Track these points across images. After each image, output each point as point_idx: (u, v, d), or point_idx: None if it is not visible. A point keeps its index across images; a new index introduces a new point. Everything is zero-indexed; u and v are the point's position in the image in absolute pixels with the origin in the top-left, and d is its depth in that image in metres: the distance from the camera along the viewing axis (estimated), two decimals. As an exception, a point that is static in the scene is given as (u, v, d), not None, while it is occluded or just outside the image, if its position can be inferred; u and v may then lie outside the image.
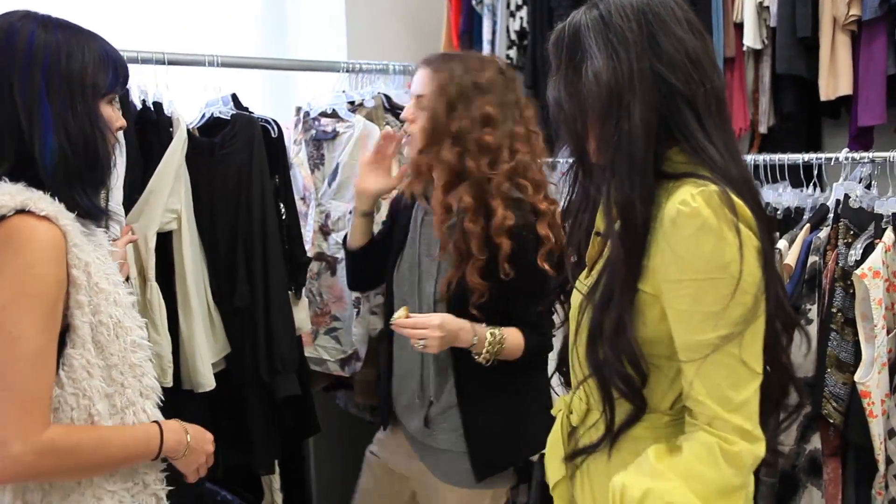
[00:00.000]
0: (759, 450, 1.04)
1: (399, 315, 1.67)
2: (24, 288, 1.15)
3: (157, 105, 1.95)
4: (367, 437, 2.05)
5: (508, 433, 1.78)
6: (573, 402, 1.30)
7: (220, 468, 2.32)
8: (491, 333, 1.68)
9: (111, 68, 1.29)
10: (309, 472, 2.69)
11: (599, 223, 1.22)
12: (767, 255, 1.04)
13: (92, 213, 1.29)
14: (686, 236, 1.03)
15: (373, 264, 1.96)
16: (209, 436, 1.44)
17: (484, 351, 1.68)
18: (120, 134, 1.79)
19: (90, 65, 1.25)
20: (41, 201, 1.19)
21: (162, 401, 1.37)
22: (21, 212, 1.16)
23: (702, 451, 1.04)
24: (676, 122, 1.08)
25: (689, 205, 1.02)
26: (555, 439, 1.35)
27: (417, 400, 1.82)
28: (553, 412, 1.39)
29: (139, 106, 1.93)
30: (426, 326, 1.62)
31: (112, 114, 1.32)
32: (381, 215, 2.16)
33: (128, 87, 1.87)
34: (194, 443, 1.38)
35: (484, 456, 1.77)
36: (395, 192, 2.01)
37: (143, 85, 1.96)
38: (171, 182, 1.89)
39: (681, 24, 1.10)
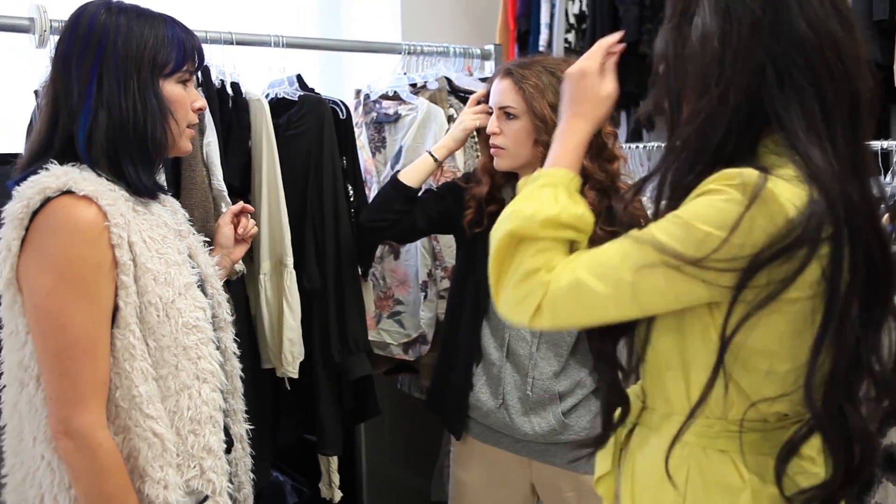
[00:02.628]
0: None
1: None
2: (63, 273, 1.16)
3: (235, 86, 1.93)
4: (415, 420, 1.98)
5: None
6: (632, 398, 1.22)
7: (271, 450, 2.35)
8: None
9: (177, 49, 1.29)
10: (360, 453, 2.69)
11: None
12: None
13: (141, 189, 1.29)
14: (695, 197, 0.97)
15: (408, 216, 1.90)
16: None
17: None
18: (208, 113, 1.80)
19: (149, 46, 1.26)
20: (84, 181, 1.20)
21: (224, 386, 1.36)
22: (65, 193, 1.18)
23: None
24: (776, 109, 0.96)
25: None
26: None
27: (536, 394, 1.74)
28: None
29: (217, 86, 1.90)
30: None
31: (182, 93, 1.32)
32: None
33: (207, 67, 1.88)
34: None
35: None
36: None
37: (221, 65, 1.94)
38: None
39: (823, 6, 0.98)
